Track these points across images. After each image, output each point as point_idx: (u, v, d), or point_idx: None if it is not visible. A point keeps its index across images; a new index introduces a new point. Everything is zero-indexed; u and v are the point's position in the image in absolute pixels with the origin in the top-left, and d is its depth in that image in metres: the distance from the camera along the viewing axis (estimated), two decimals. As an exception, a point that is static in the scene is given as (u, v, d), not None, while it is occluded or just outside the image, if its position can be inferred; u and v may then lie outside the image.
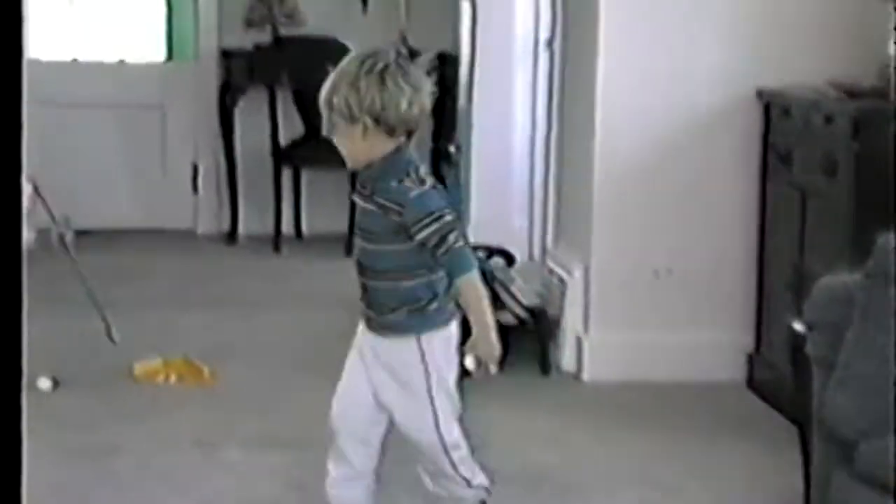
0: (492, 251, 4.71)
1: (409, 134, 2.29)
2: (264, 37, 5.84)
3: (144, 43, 6.00)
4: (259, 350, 4.20)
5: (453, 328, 2.32)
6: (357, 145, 2.27)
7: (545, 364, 3.95)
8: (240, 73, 5.80)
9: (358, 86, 2.22)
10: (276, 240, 5.78)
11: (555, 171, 4.36)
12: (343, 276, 5.13)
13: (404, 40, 5.95)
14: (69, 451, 3.16)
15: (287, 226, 5.93)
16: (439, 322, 2.30)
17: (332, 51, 5.58)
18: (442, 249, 2.22)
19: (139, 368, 3.75)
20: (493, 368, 2.25)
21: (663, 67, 3.79)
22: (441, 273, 2.27)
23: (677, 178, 3.83)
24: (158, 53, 6.06)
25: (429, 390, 2.31)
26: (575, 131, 4.13)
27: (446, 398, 2.34)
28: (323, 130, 2.30)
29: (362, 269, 2.34)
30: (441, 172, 5.19)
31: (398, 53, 2.28)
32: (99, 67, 5.98)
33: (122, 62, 6.03)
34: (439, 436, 2.33)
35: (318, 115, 2.28)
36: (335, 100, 2.23)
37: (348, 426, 2.39)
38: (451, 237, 2.22)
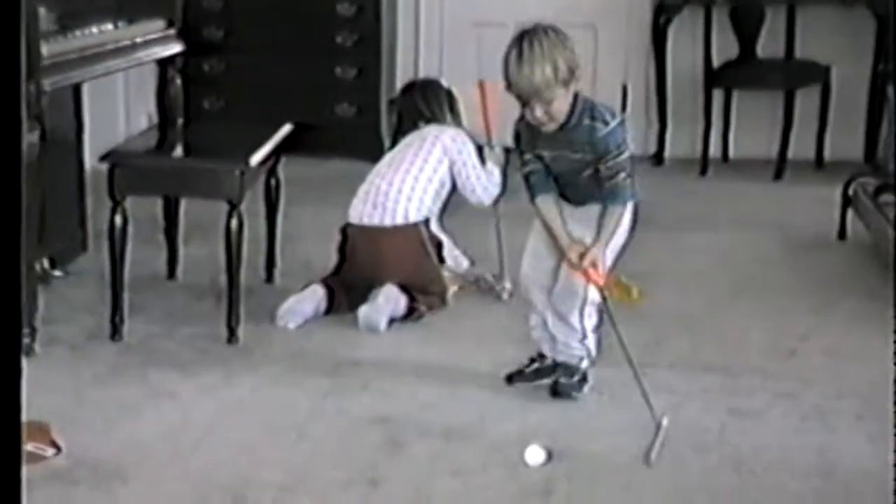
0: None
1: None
2: (702, -45, 5.69)
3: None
4: (686, 272, 4.09)
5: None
6: (567, 101, 2.70)
7: None
8: (675, -8, 5.69)
9: (559, 51, 2.67)
10: (703, 162, 5.63)
11: None
12: (772, 200, 5.11)
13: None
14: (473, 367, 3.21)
15: (714, 148, 5.75)
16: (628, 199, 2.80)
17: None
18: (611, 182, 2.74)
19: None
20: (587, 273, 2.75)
21: None
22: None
23: None
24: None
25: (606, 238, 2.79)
26: None
27: (610, 255, 2.84)
28: (537, 112, 2.68)
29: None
30: (886, 96, 4.85)
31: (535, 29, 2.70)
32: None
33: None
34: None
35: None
36: (550, 72, 2.64)
37: (536, 278, 2.93)
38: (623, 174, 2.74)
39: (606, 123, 2.71)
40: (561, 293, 2.90)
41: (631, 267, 4.01)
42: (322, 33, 5.58)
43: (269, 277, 3.88)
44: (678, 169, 5.66)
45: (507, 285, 3.75)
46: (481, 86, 3.73)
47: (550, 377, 3.00)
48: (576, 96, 2.71)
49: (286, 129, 3.74)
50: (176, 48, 3.94)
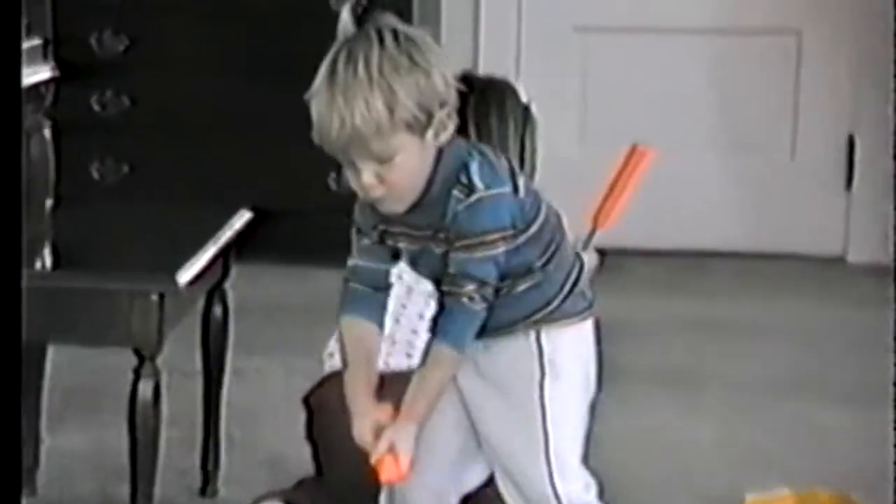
0: None
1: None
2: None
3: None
4: None
5: (588, 325, 2.99)
6: (424, 161, 2.79)
7: None
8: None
9: (404, 72, 2.73)
10: None
11: None
12: None
13: None
14: None
15: None
16: (568, 312, 2.92)
17: None
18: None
19: (753, 502, 3.79)
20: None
21: None
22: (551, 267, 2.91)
23: None
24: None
25: (540, 398, 2.89)
26: None
27: (565, 417, 2.93)
28: (364, 178, 2.77)
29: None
30: None
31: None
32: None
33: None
34: (549, 472, 2.90)
35: None
36: (382, 108, 2.71)
37: (439, 464, 2.98)
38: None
39: (471, 191, 2.78)
40: (501, 453, 2.94)
41: (849, 468, 4.09)
42: (303, 45, 5.59)
43: (206, 487, 3.92)
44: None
45: None
46: (633, 152, 3.77)
47: None
48: (440, 152, 2.79)
49: (241, 218, 3.80)
50: (42, 73, 3.97)
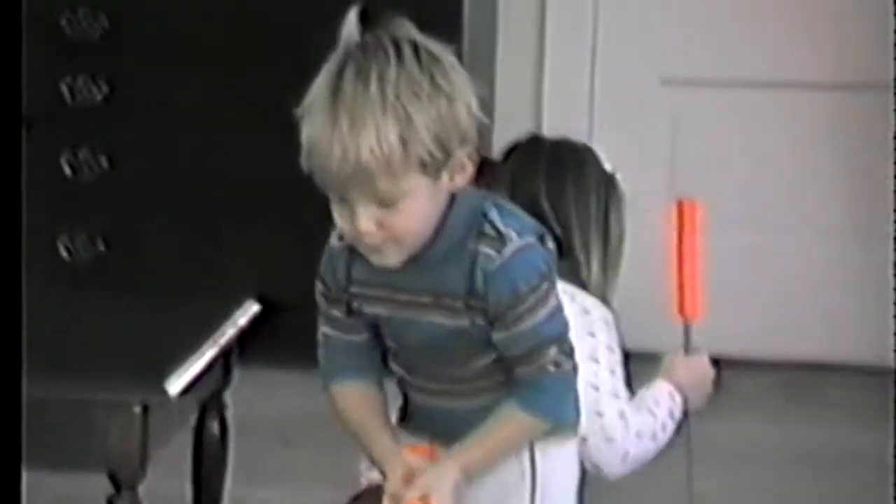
0: None
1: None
2: None
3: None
4: None
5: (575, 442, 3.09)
6: (434, 207, 2.81)
7: None
8: None
9: (425, 97, 2.70)
10: None
11: None
12: None
13: None
14: None
15: None
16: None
17: None
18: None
19: None
20: None
21: None
22: None
23: None
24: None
25: None
26: None
27: None
28: (362, 223, 2.76)
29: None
30: None
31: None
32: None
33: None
34: None
35: None
36: (394, 140, 2.67)
37: None
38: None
39: (503, 243, 2.79)
40: None
41: None
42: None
43: None
44: None
45: None
46: (682, 209, 3.80)
47: None
48: (453, 198, 2.81)
49: (246, 311, 3.84)
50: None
